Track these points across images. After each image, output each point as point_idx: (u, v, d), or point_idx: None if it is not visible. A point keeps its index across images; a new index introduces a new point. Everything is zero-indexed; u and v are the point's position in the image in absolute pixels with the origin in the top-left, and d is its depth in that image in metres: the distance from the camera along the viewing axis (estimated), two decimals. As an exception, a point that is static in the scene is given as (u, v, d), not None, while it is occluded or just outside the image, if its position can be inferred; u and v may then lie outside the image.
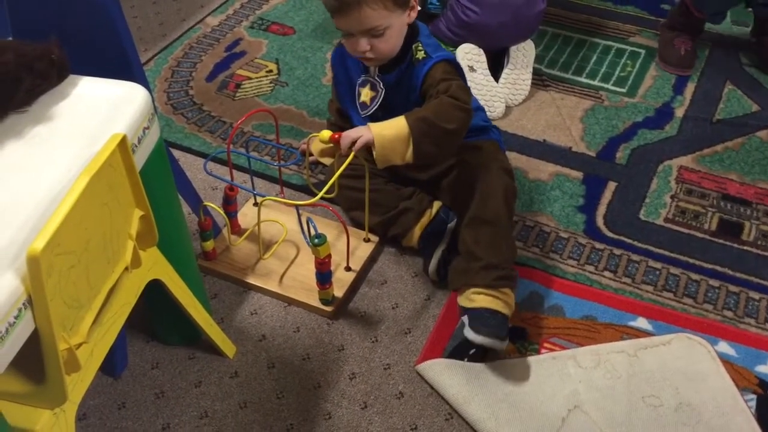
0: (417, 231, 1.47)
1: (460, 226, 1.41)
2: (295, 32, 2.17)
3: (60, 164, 0.88)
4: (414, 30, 1.41)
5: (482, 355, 1.31)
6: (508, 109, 1.88)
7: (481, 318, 1.29)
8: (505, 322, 1.30)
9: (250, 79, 1.99)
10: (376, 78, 1.42)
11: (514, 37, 1.90)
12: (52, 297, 0.80)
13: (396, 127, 1.30)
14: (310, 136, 1.48)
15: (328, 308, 1.40)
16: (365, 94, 1.44)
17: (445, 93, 1.33)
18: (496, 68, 1.90)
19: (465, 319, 1.31)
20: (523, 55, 1.91)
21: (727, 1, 1.89)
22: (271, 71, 2.02)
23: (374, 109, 1.44)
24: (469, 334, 1.28)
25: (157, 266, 1.07)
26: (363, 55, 1.36)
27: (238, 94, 1.94)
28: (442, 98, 1.32)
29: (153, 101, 1.05)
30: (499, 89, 1.87)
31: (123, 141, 0.90)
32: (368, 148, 1.31)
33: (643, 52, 2.07)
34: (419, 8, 1.40)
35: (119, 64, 1.17)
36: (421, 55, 1.39)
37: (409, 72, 1.40)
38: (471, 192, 1.39)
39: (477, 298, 1.31)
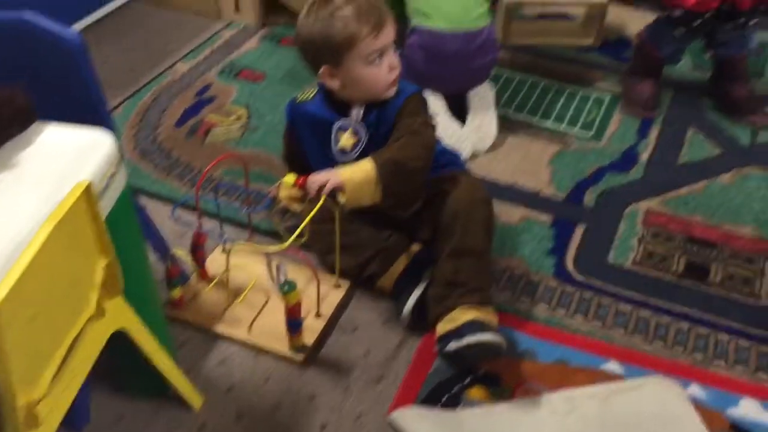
0: (395, 271, 1.47)
1: (439, 258, 1.41)
2: (266, 78, 2.18)
3: (24, 212, 0.86)
4: None
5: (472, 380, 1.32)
6: (477, 152, 1.90)
7: (473, 325, 1.31)
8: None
9: (220, 124, 1.99)
10: (359, 124, 1.43)
11: (467, 84, 1.93)
12: (13, 350, 0.78)
13: (364, 170, 1.32)
14: (280, 181, 1.48)
15: (299, 356, 1.38)
16: (345, 139, 1.45)
17: (409, 130, 1.38)
18: (461, 110, 1.93)
19: (451, 344, 1.31)
20: (480, 99, 1.93)
21: (682, 38, 1.94)
22: (241, 116, 2.02)
23: (356, 154, 1.44)
24: (470, 338, 1.28)
25: (121, 316, 1.05)
26: (395, 72, 1.40)
27: (207, 140, 1.94)
28: (406, 138, 1.37)
29: (120, 147, 1.04)
30: (464, 132, 1.89)
31: (88, 189, 0.89)
32: (333, 191, 1.32)
33: (607, 97, 2.11)
34: None
35: (86, 110, 1.16)
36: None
37: (385, 108, 1.43)
38: (453, 223, 1.40)
39: (464, 315, 1.33)
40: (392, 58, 1.40)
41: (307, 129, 1.51)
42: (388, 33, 1.39)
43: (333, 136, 1.46)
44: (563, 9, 2.45)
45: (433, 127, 1.44)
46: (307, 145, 1.53)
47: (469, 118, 1.90)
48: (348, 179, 1.32)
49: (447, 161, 1.54)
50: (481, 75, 1.93)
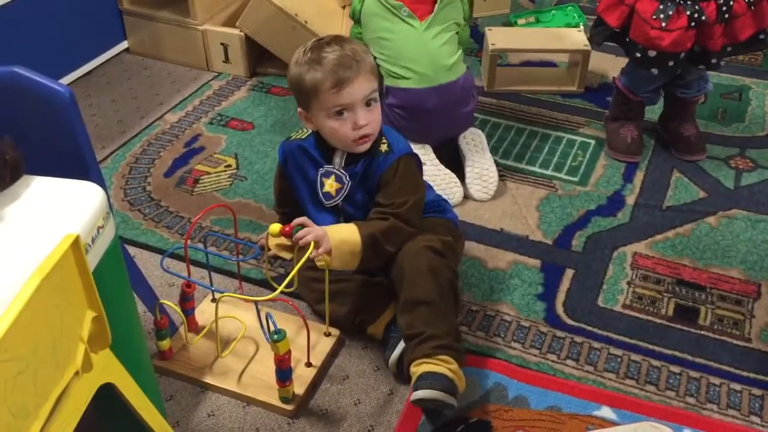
0: (386, 318, 1.46)
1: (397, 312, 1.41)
2: (254, 127, 2.20)
3: (11, 266, 0.86)
4: None
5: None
6: (466, 199, 1.91)
7: (422, 379, 1.29)
8: (451, 384, 1.29)
9: (209, 173, 2.00)
10: (342, 170, 1.44)
11: (452, 132, 1.94)
12: (-3, 407, 0.76)
13: (352, 243, 1.36)
14: (268, 230, 1.48)
15: (289, 407, 1.36)
16: (329, 184, 1.46)
17: (399, 214, 1.40)
18: (449, 156, 1.94)
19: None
20: (473, 144, 1.94)
21: (657, 79, 1.97)
22: (230, 166, 2.03)
23: (340, 200, 1.45)
24: (414, 396, 1.28)
25: (109, 369, 1.03)
26: (361, 131, 1.38)
27: (196, 189, 1.94)
28: (394, 222, 1.40)
29: (109, 199, 1.04)
30: (452, 177, 1.90)
31: (76, 242, 0.88)
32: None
33: (592, 142, 2.14)
34: None
35: (75, 163, 1.17)
36: (384, 148, 1.44)
37: (373, 163, 1.43)
38: (401, 276, 1.40)
39: (418, 369, 1.31)
40: (359, 117, 1.38)
41: (297, 167, 1.52)
42: (355, 91, 1.36)
43: (318, 180, 1.47)
44: (547, 56, 2.49)
45: (420, 206, 1.45)
46: (295, 184, 1.54)
47: (468, 168, 1.90)
48: (337, 248, 1.35)
49: (430, 209, 1.54)
50: (464, 122, 1.95)
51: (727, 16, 1.80)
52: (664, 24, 1.80)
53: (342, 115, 1.38)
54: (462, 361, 1.35)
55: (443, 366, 1.31)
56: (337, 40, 1.40)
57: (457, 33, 1.94)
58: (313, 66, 1.37)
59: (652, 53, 1.85)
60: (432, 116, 1.87)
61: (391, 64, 1.87)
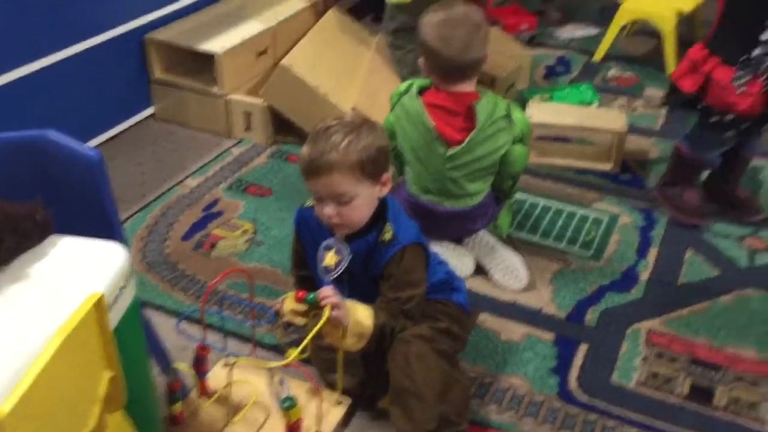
0: None
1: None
2: (272, 193, 2.23)
3: (35, 324, 0.88)
4: (383, 205, 1.44)
5: None
6: (479, 270, 1.91)
7: None
8: None
9: (226, 238, 2.03)
10: (341, 244, 1.44)
11: (464, 236, 1.92)
12: (13, 464, 0.77)
13: (365, 327, 1.36)
14: (284, 296, 1.49)
15: (297, 476, 1.35)
16: (330, 257, 1.45)
17: (406, 308, 1.41)
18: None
19: None
20: (486, 242, 1.90)
21: (728, 142, 2.02)
22: (247, 231, 2.06)
23: (339, 273, 1.45)
24: None
25: (121, 431, 1.03)
26: (330, 220, 1.39)
27: (213, 253, 1.97)
28: (402, 320, 1.40)
29: (131, 260, 1.06)
30: (459, 249, 1.90)
31: (100, 301, 0.91)
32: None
33: (606, 217, 2.16)
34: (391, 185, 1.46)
35: (100, 223, 1.20)
36: (388, 236, 1.42)
37: (376, 250, 1.43)
38: (390, 364, 1.39)
39: None
40: (324, 210, 1.37)
41: (308, 234, 1.53)
42: (322, 185, 1.35)
43: (319, 255, 1.45)
44: (583, 134, 2.48)
45: (422, 299, 1.44)
46: (307, 250, 1.55)
47: (492, 267, 1.89)
48: (351, 326, 1.34)
49: (438, 289, 1.53)
50: (477, 230, 1.91)
51: None
52: (743, 89, 1.89)
53: (317, 200, 1.40)
54: None
55: None
56: (338, 126, 1.37)
57: (492, 175, 1.81)
58: (307, 143, 1.38)
59: (728, 117, 1.94)
60: (441, 223, 1.85)
61: (409, 166, 1.85)
